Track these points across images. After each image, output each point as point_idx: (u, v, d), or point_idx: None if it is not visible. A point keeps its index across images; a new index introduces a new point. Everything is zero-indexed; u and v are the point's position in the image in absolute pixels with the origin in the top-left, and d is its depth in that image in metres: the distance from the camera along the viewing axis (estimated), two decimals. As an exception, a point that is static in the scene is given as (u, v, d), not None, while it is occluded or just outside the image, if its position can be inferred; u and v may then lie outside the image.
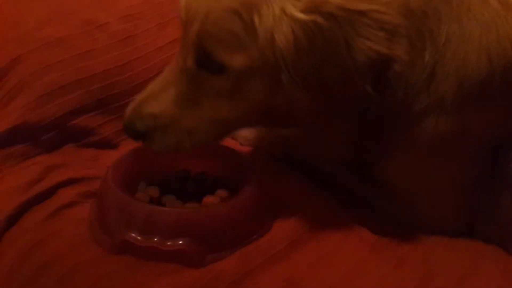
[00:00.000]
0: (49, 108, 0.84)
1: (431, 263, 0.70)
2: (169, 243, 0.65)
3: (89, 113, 0.87)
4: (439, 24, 0.66)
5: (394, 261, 0.69)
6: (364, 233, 0.72)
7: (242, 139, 0.92)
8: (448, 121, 0.68)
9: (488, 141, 0.71)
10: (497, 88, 0.66)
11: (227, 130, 0.75)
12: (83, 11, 0.93)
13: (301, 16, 0.60)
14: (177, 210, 0.70)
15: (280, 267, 0.66)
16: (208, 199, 0.74)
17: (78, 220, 0.72)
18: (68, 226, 0.71)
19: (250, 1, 0.62)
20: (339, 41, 0.60)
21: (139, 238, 0.65)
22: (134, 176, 0.77)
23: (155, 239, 0.65)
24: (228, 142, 0.91)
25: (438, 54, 0.66)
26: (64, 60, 0.87)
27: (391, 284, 0.66)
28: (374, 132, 0.73)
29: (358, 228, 0.73)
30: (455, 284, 0.67)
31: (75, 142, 0.87)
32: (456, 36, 0.66)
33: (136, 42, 0.95)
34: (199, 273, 0.65)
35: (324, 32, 0.60)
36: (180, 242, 0.65)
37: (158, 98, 0.70)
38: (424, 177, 0.75)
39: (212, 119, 0.70)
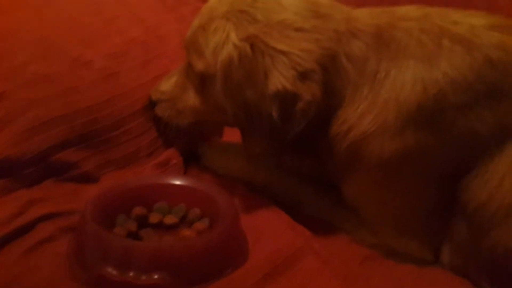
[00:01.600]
0: (32, 143, 0.85)
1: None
2: (144, 277, 0.66)
3: (71, 147, 0.89)
4: (380, 63, 0.75)
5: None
6: (337, 265, 0.74)
7: (221, 169, 0.95)
8: (392, 143, 0.74)
9: (437, 167, 0.75)
10: (433, 114, 0.72)
11: (202, 119, 0.91)
12: (70, 48, 0.95)
13: (237, 43, 0.75)
14: (152, 245, 0.71)
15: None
16: (185, 232, 0.76)
17: (56, 255, 0.73)
18: (46, 261, 0.72)
19: (211, 22, 0.79)
20: (260, 68, 0.74)
21: (114, 272, 0.66)
22: (113, 210, 0.78)
23: (131, 274, 0.66)
24: (207, 173, 0.94)
25: (378, 86, 0.74)
26: (48, 96, 0.88)
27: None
28: (326, 155, 0.81)
29: (331, 259, 0.74)
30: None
31: (55, 177, 0.88)
32: (395, 70, 0.74)
33: (120, 78, 0.97)
34: (173, 307, 0.65)
35: (251, 59, 0.74)
36: (156, 276, 0.67)
37: (168, 80, 0.92)
38: (383, 202, 0.80)
39: (191, 106, 0.89)
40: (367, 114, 0.74)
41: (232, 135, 1.10)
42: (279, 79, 0.73)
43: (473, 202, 0.72)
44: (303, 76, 0.73)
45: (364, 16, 0.78)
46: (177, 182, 0.84)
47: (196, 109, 0.88)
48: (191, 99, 0.88)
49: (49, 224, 0.78)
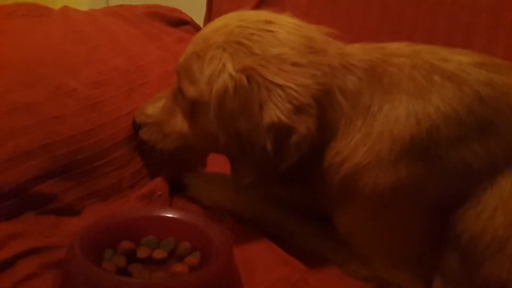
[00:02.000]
0: (11, 174, 0.81)
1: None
2: (136, 316, 0.63)
3: (52, 179, 0.86)
4: (373, 97, 0.76)
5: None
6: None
7: (207, 200, 0.93)
8: (386, 176, 0.74)
9: (429, 199, 0.75)
10: (426, 147, 0.73)
11: (189, 145, 0.90)
12: (53, 77, 0.92)
13: (233, 73, 0.75)
14: (146, 282, 0.68)
15: None
16: (177, 268, 0.73)
17: (40, 293, 0.69)
18: (30, 300, 0.68)
19: (207, 50, 0.79)
20: (255, 100, 0.74)
21: (105, 311, 0.63)
22: (99, 244, 0.75)
23: (122, 312, 0.63)
24: (193, 205, 0.92)
25: (372, 119, 0.75)
26: (30, 125, 0.85)
27: None
28: (319, 186, 0.81)
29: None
30: None
31: (35, 209, 0.84)
32: (388, 104, 0.75)
33: (104, 108, 0.95)
34: None
35: (246, 90, 0.74)
36: (148, 314, 0.64)
37: (154, 104, 0.92)
38: (376, 234, 0.80)
39: (178, 131, 0.88)
40: (361, 146, 0.75)
41: (214, 165, 1.09)
42: (275, 111, 0.73)
43: (466, 233, 0.72)
44: (299, 110, 0.73)
45: (357, 51, 0.79)
46: (166, 215, 0.81)
47: (184, 134, 0.87)
48: (179, 124, 0.87)
49: (30, 260, 0.74)
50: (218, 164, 1.08)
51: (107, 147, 0.93)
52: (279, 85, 0.73)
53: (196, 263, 0.75)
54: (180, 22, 1.37)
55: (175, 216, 0.81)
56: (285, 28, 0.78)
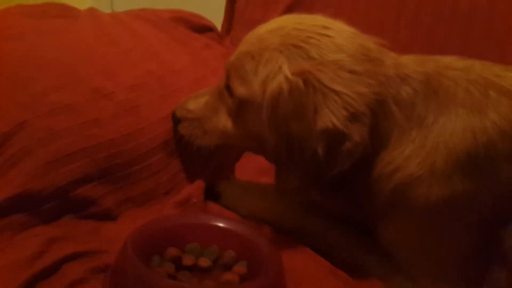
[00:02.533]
0: (53, 176, 0.80)
1: None
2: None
3: (92, 182, 0.84)
4: (428, 109, 0.76)
5: None
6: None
7: (243, 209, 0.92)
8: (440, 188, 0.74)
9: (480, 213, 0.76)
10: (482, 161, 0.74)
11: (229, 144, 0.91)
12: (90, 79, 0.91)
13: (289, 76, 0.75)
14: (202, 288, 0.67)
15: None
16: (227, 276, 0.72)
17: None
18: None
19: (263, 52, 0.79)
20: (310, 104, 0.74)
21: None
22: (146, 250, 0.74)
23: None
24: (228, 213, 0.91)
25: (426, 131, 0.76)
26: (70, 128, 0.84)
27: None
28: (364, 195, 0.80)
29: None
30: None
31: (74, 213, 0.83)
32: (444, 117, 0.76)
33: (141, 112, 0.94)
34: None
35: (302, 94, 0.74)
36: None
37: (196, 99, 0.91)
38: (423, 246, 0.79)
39: (221, 130, 0.88)
40: (414, 157, 0.75)
41: (242, 174, 1.08)
42: (330, 117, 0.73)
43: None
44: (354, 117, 0.73)
45: (411, 62, 0.79)
46: (209, 222, 0.80)
47: (227, 132, 0.87)
48: (222, 121, 0.87)
49: (75, 265, 0.73)
50: (246, 172, 1.08)
51: (144, 152, 0.91)
52: (335, 91, 0.73)
53: (244, 272, 0.74)
54: (204, 28, 1.37)
55: (219, 224, 0.80)
56: (342, 35, 0.78)
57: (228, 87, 0.84)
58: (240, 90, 0.81)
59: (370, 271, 0.82)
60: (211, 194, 0.97)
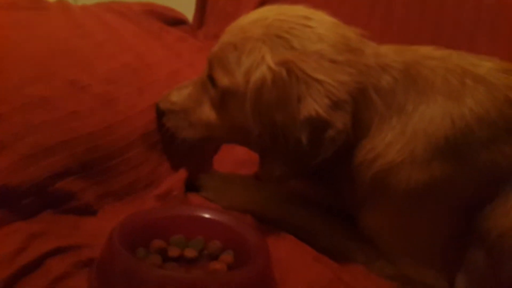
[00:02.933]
0: (32, 171, 0.78)
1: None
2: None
3: (71, 176, 0.83)
4: (407, 97, 0.78)
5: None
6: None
7: (225, 201, 0.92)
8: (420, 174, 0.76)
9: (459, 197, 0.78)
10: (460, 147, 0.76)
11: (213, 136, 0.90)
12: (66, 71, 0.89)
13: (272, 66, 0.76)
14: (192, 277, 0.67)
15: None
16: (215, 265, 0.72)
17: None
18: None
19: (246, 42, 0.80)
20: (293, 93, 0.75)
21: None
22: (131, 243, 0.73)
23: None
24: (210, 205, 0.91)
25: (406, 118, 0.78)
26: (48, 121, 0.82)
27: None
28: (346, 183, 0.82)
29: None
30: None
31: (54, 208, 0.81)
32: (423, 105, 0.78)
33: (118, 105, 0.92)
34: None
35: (285, 83, 0.75)
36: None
37: (180, 91, 0.91)
38: (403, 231, 0.81)
39: (205, 121, 0.88)
40: (394, 144, 0.77)
41: (220, 167, 1.08)
42: (313, 105, 0.74)
43: (495, 230, 0.75)
44: (336, 105, 0.75)
45: (391, 52, 0.81)
46: (193, 213, 0.80)
47: (211, 123, 0.87)
48: (206, 113, 0.87)
49: (58, 260, 0.71)
50: (224, 165, 1.08)
51: (123, 145, 0.90)
52: (318, 80, 0.75)
53: (231, 261, 0.74)
54: (176, 21, 1.36)
55: (203, 214, 0.80)
56: (323, 25, 0.80)
57: (211, 78, 0.84)
58: (223, 80, 0.82)
59: (352, 257, 0.84)
60: (192, 187, 0.96)
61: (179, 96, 0.90)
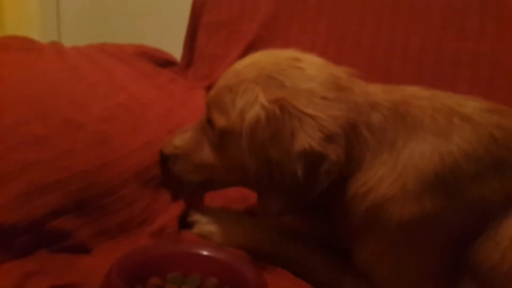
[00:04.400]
0: (28, 209, 0.78)
1: None
2: None
3: (66, 215, 0.83)
4: (397, 134, 0.81)
5: None
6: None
7: (219, 237, 0.92)
8: (411, 207, 0.78)
9: (450, 230, 0.80)
10: (449, 181, 0.78)
11: (215, 178, 0.92)
12: (61, 111, 0.90)
13: (266, 104, 0.79)
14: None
15: None
16: (212, 303, 0.72)
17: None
18: None
19: (240, 84, 0.84)
20: (287, 128, 0.78)
21: None
22: (129, 281, 0.72)
23: None
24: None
25: (397, 154, 0.80)
26: (43, 159, 0.82)
27: None
28: (340, 216, 0.83)
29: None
30: None
31: (48, 247, 0.81)
32: (413, 141, 0.80)
33: (113, 143, 0.93)
34: None
35: (278, 120, 0.78)
36: None
37: (182, 135, 0.94)
38: (396, 265, 0.82)
39: (206, 163, 0.90)
40: (386, 178, 0.79)
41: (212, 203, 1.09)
42: (306, 139, 0.77)
43: (486, 263, 0.77)
44: (329, 138, 0.77)
45: (379, 91, 0.84)
46: (191, 251, 0.80)
47: (211, 165, 0.89)
48: (207, 154, 0.89)
49: (55, 299, 0.71)
50: (216, 202, 1.09)
51: (117, 183, 0.91)
52: (310, 115, 0.77)
53: (228, 299, 0.74)
54: (167, 62, 1.39)
55: (200, 251, 0.80)
56: (313, 66, 0.83)
57: (209, 121, 0.87)
58: (220, 121, 0.84)
59: None
60: (184, 224, 0.97)
61: (181, 140, 0.93)
